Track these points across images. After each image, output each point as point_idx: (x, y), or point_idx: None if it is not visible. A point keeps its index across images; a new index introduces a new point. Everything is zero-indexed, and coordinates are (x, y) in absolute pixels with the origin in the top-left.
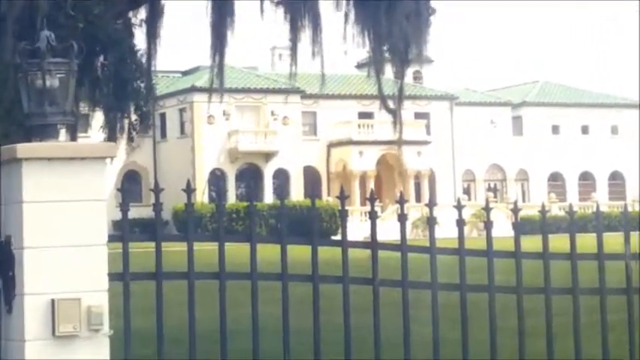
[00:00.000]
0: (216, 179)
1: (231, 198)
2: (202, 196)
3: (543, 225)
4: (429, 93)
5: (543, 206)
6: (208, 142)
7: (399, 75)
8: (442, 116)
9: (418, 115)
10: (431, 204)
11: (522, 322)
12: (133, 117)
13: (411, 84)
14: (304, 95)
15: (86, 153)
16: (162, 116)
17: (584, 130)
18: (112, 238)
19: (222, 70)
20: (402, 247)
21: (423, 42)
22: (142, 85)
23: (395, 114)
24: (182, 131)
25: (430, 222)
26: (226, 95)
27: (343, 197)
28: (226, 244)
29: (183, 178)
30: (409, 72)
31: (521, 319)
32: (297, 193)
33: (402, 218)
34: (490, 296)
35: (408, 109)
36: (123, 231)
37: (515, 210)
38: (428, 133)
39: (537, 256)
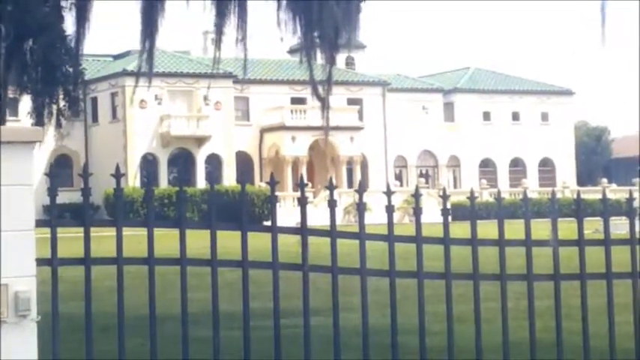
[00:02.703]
0: (148, 164)
1: (163, 183)
2: (134, 180)
3: (472, 211)
4: (361, 79)
5: (472, 192)
6: (140, 127)
7: (329, 61)
8: (374, 102)
9: (351, 101)
10: (360, 190)
11: (450, 308)
12: (62, 102)
13: (344, 70)
14: (236, 80)
15: (12, 137)
16: (94, 100)
17: (515, 116)
18: (40, 223)
19: (152, 55)
20: (331, 232)
21: (353, 28)
22: (71, 69)
23: (323, 101)
24: (114, 115)
25: (359, 208)
26: (158, 79)
27: (273, 183)
28: (158, 230)
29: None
30: (342, 58)
31: (449, 304)
32: (229, 179)
33: (332, 204)
34: (419, 282)
35: (341, 95)
36: (51, 216)
37: (444, 196)
38: (360, 118)
39: (466, 242)
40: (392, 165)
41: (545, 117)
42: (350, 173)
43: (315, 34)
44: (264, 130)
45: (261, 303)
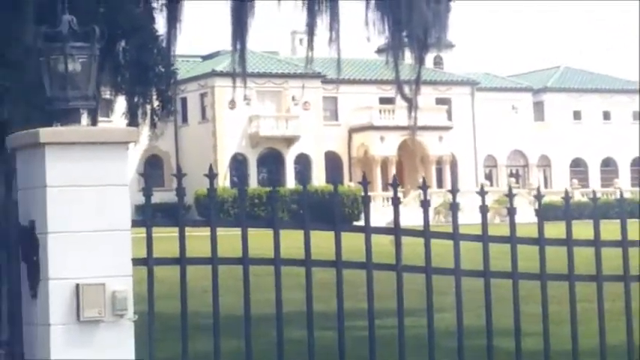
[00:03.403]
0: (238, 164)
1: (253, 183)
2: (224, 180)
3: (567, 211)
4: (449, 78)
5: (567, 192)
6: (229, 127)
7: (418, 61)
8: (463, 101)
9: (439, 101)
10: (454, 190)
11: (546, 309)
12: (155, 102)
13: (432, 69)
14: (325, 80)
15: (109, 137)
16: (184, 101)
17: (606, 115)
18: (135, 223)
19: (243, 56)
20: (425, 233)
21: (442, 28)
22: (164, 70)
23: (411, 101)
24: (203, 116)
25: (453, 208)
26: (247, 80)
27: (366, 183)
28: (250, 229)
29: (204, 162)
30: (430, 57)
31: (545, 305)
32: (318, 179)
33: (425, 204)
34: (514, 282)
35: (429, 94)
36: (146, 216)
37: (539, 196)
38: (449, 118)
39: (561, 243)
40: (481, 165)
41: (636, 116)
42: (439, 173)
43: (404, 33)
44: (352, 130)
45: (353, 303)
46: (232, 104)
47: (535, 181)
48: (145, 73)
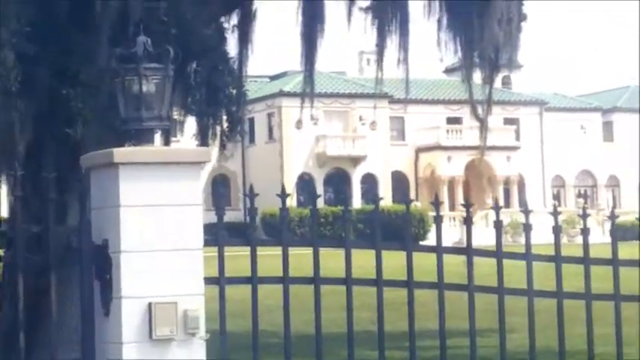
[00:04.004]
0: (304, 184)
1: (320, 202)
2: (291, 200)
3: None
4: (518, 98)
5: None
6: (296, 147)
7: (489, 81)
8: (531, 121)
9: (507, 121)
10: (526, 210)
11: (620, 330)
12: (225, 123)
13: (500, 89)
14: (392, 100)
15: (182, 158)
16: (251, 121)
17: None
18: (207, 242)
19: (312, 77)
20: (497, 253)
21: (513, 48)
22: (234, 91)
23: (482, 121)
24: (270, 136)
25: (526, 228)
26: (315, 100)
27: (438, 203)
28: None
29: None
30: (499, 77)
31: (618, 326)
32: (385, 198)
33: (498, 224)
34: (587, 303)
35: (497, 114)
36: (218, 235)
37: (612, 217)
38: (517, 138)
39: (634, 264)
40: (549, 185)
41: None
42: (507, 193)
43: (475, 53)
44: (419, 150)
45: (422, 323)
46: (299, 124)
47: (603, 201)
48: (216, 95)
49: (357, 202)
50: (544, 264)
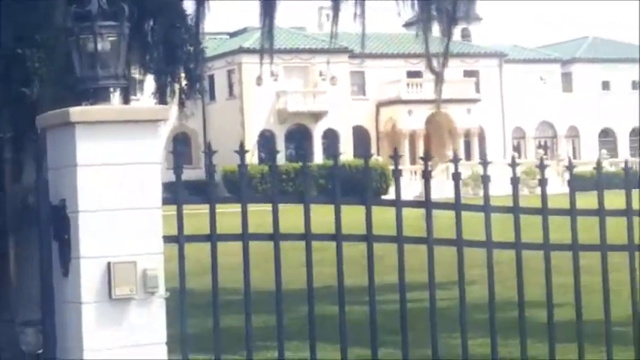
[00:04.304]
0: (265, 140)
1: (281, 159)
2: (252, 157)
3: (599, 182)
4: (477, 51)
5: (599, 163)
6: (257, 104)
7: (446, 34)
8: (491, 73)
9: (467, 73)
10: (484, 162)
11: (578, 279)
12: (184, 81)
13: (460, 42)
14: (352, 55)
15: (140, 116)
16: (211, 78)
17: (635, 85)
18: (165, 201)
19: (271, 33)
20: (456, 205)
21: (471, 1)
22: (192, 49)
23: (438, 74)
24: (230, 93)
25: (484, 180)
26: (275, 56)
27: (397, 157)
28: (280, 205)
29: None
30: (458, 30)
31: (577, 276)
32: (346, 153)
33: (457, 177)
34: (545, 254)
35: (457, 67)
36: (177, 193)
37: (570, 167)
38: (477, 90)
39: (593, 213)
40: (510, 137)
41: None
42: (467, 146)
43: (433, 7)
44: (380, 104)
45: (382, 277)
46: (259, 80)
47: (563, 152)
48: (174, 53)
49: (318, 157)
50: (504, 216)
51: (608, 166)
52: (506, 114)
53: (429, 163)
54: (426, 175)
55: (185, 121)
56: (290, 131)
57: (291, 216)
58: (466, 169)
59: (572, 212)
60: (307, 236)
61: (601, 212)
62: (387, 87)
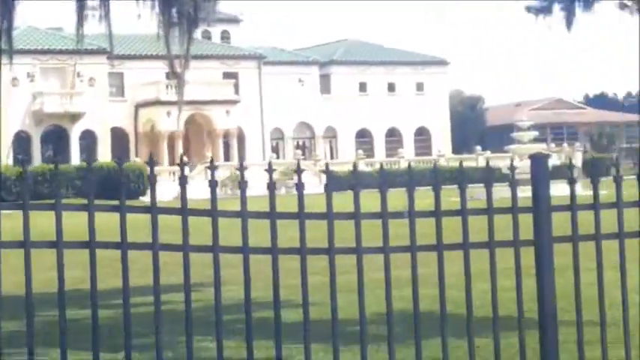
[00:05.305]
0: (22, 141)
1: (37, 161)
2: (7, 159)
3: (355, 183)
4: (237, 52)
5: (355, 165)
6: (12, 105)
7: (187, 36)
8: (251, 75)
9: (227, 75)
10: (241, 168)
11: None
12: None
13: (219, 44)
14: (111, 56)
15: None
16: None
17: (391, 87)
18: None
19: (10, 34)
20: (212, 212)
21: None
22: None
23: (179, 76)
24: None
25: (241, 186)
26: (30, 57)
27: (152, 164)
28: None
29: None
30: (217, 32)
31: (333, 278)
32: (104, 155)
33: (213, 184)
34: (302, 257)
35: (216, 69)
36: None
37: (327, 171)
38: (237, 92)
39: (350, 217)
40: (269, 137)
41: (420, 87)
42: (227, 146)
43: (174, 10)
44: (139, 106)
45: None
46: (15, 81)
47: (321, 152)
48: None
49: (76, 159)
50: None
51: (364, 166)
52: (266, 115)
53: (184, 169)
54: (182, 182)
55: None
56: (47, 132)
57: (47, 220)
58: (225, 170)
59: (329, 215)
60: (59, 244)
61: (357, 215)
62: (146, 88)
